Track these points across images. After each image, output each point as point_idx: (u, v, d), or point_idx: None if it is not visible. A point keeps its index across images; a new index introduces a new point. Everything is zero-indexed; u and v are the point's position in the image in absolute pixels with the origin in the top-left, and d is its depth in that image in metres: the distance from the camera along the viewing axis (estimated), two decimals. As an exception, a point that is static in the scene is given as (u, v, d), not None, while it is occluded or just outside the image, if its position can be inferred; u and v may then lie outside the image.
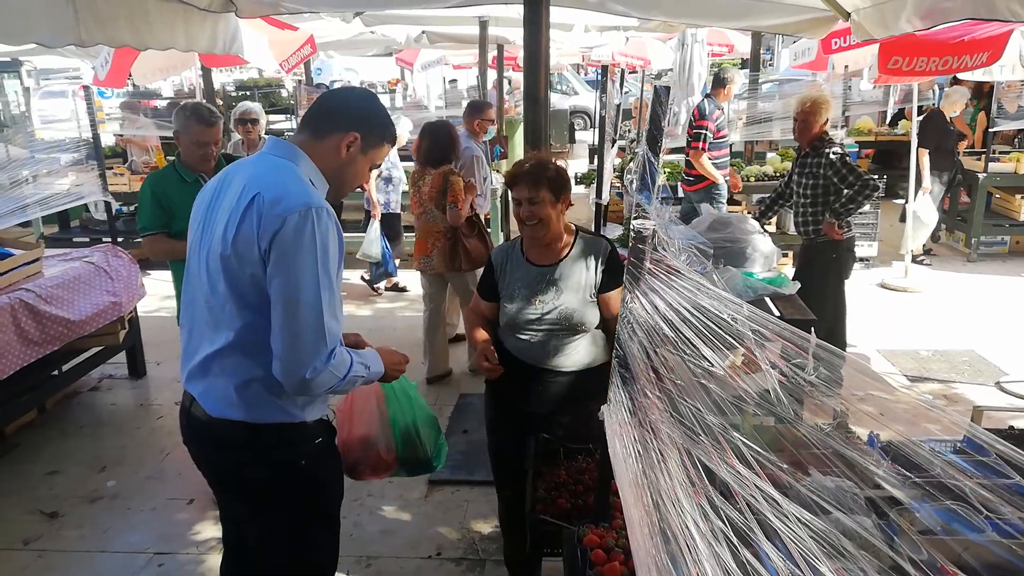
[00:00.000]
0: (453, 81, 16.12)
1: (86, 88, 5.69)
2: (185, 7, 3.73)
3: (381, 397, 2.48)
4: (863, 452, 0.86)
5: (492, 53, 10.41)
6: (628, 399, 1.63)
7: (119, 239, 6.24)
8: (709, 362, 1.06)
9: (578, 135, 18.56)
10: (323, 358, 1.86)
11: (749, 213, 5.93)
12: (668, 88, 1.71)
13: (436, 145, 4.93)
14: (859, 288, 6.68)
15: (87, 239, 8.14)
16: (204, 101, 3.73)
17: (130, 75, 7.58)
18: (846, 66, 7.90)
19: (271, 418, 2.00)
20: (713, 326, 1.09)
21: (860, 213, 7.16)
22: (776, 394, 0.92)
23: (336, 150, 2.02)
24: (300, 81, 9.80)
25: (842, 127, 8.49)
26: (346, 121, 2.02)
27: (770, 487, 0.86)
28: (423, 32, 9.47)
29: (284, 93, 12.78)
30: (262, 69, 12.22)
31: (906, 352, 5.55)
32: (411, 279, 6.90)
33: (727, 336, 1.05)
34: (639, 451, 1.45)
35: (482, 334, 2.81)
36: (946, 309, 6.41)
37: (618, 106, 7.53)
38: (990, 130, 7.80)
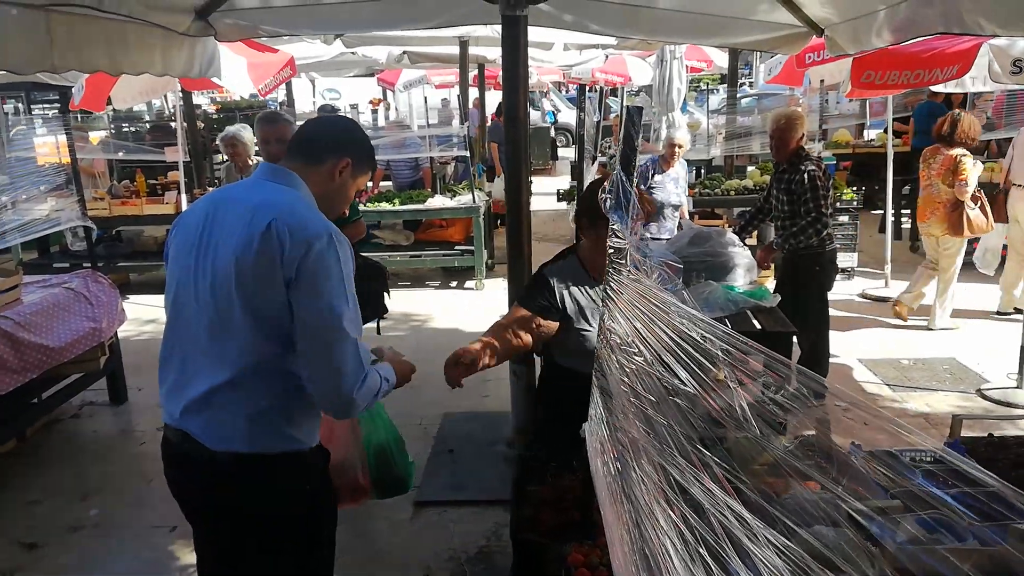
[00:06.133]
0: (445, 100, 16.17)
1: (63, 113, 5.66)
2: (164, 31, 3.72)
3: (355, 421, 2.47)
4: (823, 470, 0.87)
5: (473, 72, 10.50)
6: (607, 417, 1.63)
7: (99, 264, 6.19)
8: (680, 380, 1.07)
9: (560, 152, 18.69)
10: (362, 380, 1.91)
11: (729, 227, 5.98)
12: (641, 108, 1.72)
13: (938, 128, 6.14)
14: (840, 299, 6.74)
15: (67, 264, 8.06)
16: (279, 108, 3.89)
17: (109, 99, 7.54)
18: (822, 80, 8.01)
19: (280, 447, 1.98)
20: (686, 345, 1.10)
21: (839, 225, 7.28)
22: (743, 412, 0.93)
23: (330, 175, 2.05)
24: (282, 103, 9.81)
25: (820, 140, 8.58)
26: (339, 147, 2.07)
27: (740, 506, 0.87)
28: (404, 52, 9.55)
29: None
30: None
31: (888, 361, 5.59)
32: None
33: (697, 355, 1.06)
34: (618, 469, 1.45)
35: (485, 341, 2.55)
36: (926, 318, 6.46)
37: (598, 123, 7.57)
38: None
